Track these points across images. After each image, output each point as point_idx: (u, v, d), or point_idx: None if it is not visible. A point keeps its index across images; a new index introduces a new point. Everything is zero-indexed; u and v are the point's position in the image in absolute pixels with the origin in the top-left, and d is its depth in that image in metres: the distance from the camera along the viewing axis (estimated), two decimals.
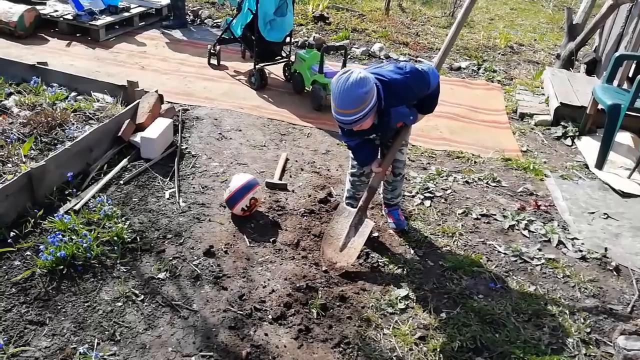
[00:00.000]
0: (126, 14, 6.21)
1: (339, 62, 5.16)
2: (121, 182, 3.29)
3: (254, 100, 4.76)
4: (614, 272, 2.93)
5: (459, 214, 3.33)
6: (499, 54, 6.85)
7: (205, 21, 6.91)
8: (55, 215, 2.82)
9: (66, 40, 5.73)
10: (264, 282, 2.64)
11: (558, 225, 3.29)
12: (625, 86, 4.59)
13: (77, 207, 2.96)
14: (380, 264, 2.84)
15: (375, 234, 3.05)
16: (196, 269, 2.68)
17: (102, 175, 3.33)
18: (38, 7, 5.95)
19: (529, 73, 6.17)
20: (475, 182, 3.72)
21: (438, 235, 3.12)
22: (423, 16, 8.28)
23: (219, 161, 3.69)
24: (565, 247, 3.11)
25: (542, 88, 5.54)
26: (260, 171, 3.61)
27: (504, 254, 3.01)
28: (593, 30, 5.64)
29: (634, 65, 4.68)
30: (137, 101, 3.91)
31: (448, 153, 4.12)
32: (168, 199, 3.21)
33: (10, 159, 3.23)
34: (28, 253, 2.64)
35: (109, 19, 5.94)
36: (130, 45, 5.83)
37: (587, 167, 4.05)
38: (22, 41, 5.58)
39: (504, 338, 2.41)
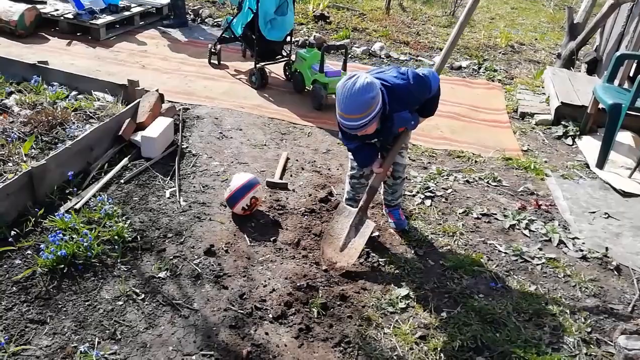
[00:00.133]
0: (127, 13, 6.22)
1: (340, 61, 5.15)
2: (122, 181, 3.29)
3: (254, 100, 4.76)
4: (615, 272, 2.93)
5: (459, 213, 3.33)
6: (500, 53, 6.85)
7: (206, 20, 6.91)
8: (56, 214, 2.82)
9: (67, 39, 5.74)
10: (265, 281, 2.64)
11: (559, 225, 3.29)
12: (626, 85, 4.58)
13: (77, 206, 2.97)
14: (380, 263, 2.84)
15: (376, 234, 3.05)
16: (197, 268, 2.68)
17: (103, 174, 3.33)
18: (39, 6, 5.95)
19: (529, 72, 6.16)
20: (476, 181, 3.72)
21: (439, 234, 3.12)
22: (424, 15, 8.28)
23: (219, 160, 3.69)
24: (566, 246, 3.11)
25: (542, 87, 5.54)
26: (260, 170, 3.61)
27: (505, 253, 3.01)
28: (594, 30, 5.63)
29: (634, 65, 4.68)
30: (138, 100, 3.91)
31: (449, 152, 4.12)
32: (169, 198, 3.21)
33: (11, 158, 3.23)
34: (29, 252, 2.64)
35: (109, 18, 5.94)
36: (130, 45, 5.83)
37: (587, 166, 4.05)
38: (23, 40, 5.58)
39: (505, 337, 2.41)
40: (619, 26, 5.22)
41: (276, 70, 5.38)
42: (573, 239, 3.17)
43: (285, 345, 2.30)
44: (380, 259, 2.87)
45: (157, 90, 4.01)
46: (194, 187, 3.35)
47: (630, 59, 4.58)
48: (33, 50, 5.31)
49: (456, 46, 6.69)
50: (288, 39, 5.06)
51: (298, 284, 2.61)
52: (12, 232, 2.69)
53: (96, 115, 3.85)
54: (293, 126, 4.33)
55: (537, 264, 2.94)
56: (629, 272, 2.93)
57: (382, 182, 2.91)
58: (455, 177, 3.74)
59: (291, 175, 3.62)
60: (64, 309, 2.36)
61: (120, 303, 2.42)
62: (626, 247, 3.12)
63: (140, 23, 6.44)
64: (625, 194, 3.66)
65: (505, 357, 2.32)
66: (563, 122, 4.66)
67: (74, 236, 2.68)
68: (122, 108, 3.89)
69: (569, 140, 4.48)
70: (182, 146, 3.78)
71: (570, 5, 6.69)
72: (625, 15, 5.10)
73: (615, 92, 4.10)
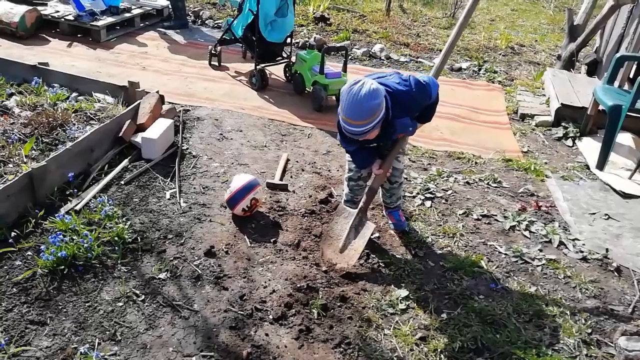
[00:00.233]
0: (127, 15, 6.22)
1: (340, 63, 5.16)
2: (122, 182, 3.29)
3: (254, 101, 4.76)
4: (615, 273, 2.93)
5: (459, 214, 3.33)
6: (500, 54, 6.85)
7: (206, 22, 6.92)
8: (56, 215, 2.82)
9: (67, 41, 5.74)
10: (265, 282, 2.64)
11: (559, 226, 3.28)
12: (626, 87, 4.59)
13: (78, 208, 2.97)
14: (380, 264, 2.84)
15: (376, 235, 3.05)
16: (197, 269, 2.68)
17: (103, 175, 3.33)
18: (39, 7, 5.96)
19: (529, 74, 6.17)
20: (476, 182, 3.72)
21: (439, 235, 3.12)
22: (424, 17, 8.29)
23: (219, 162, 3.69)
24: (566, 247, 3.11)
25: (542, 89, 5.54)
26: (261, 172, 3.62)
27: (505, 254, 3.01)
28: (594, 31, 5.64)
29: (634, 66, 4.68)
30: (138, 102, 3.92)
31: (449, 154, 4.12)
32: (169, 199, 3.21)
33: (12, 159, 3.23)
34: (29, 253, 2.64)
35: (110, 19, 5.95)
36: (131, 46, 5.84)
37: (588, 167, 4.05)
38: (24, 42, 5.59)
39: (505, 339, 2.41)
40: (619, 28, 5.22)
41: (276, 71, 5.38)
42: (573, 240, 3.17)
43: (286, 347, 2.29)
44: (380, 260, 2.86)
45: (157, 92, 4.02)
46: (194, 188, 3.35)
47: (630, 61, 4.58)
48: (34, 52, 5.31)
49: (456, 47, 6.72)
50: (288, 40, 5.07)
51: (298, 285, 2.61)
52: (13, 234, 2.69)
53: (97, 117, 3.85)
54: (293, 127, 4.34)
55: (538, 265, 2.93)
56: (629, 274, 2.93)
57: (381, 184, 2.91)
58: (456, 178, 3.75)
59: (291, 177, 3.62)
60: (64, 310, 2.36)
61: (121, 304, 2.42)
62: (626, 249, 3.12)
63: (141, 25, 6.45)
64: (626, 195, 3.66)
65: (505, 358, 2.32)
66: (563, 124, 4.66)
67: (74, 237, 2.68)
68: (122, 109, 3.89)
69: (569, 142, 4.48)
70: (183, 147, 3.78)
71: (570, 7, 6.70)
72: (625, 16, 5.11)
73: (616, 94, 4.11)
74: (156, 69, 5.26)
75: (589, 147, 4.28)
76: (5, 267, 2.54)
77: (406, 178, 3.67)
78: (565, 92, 4.92)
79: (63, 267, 2.54)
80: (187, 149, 3.79)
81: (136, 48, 5.80)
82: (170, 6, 6.58)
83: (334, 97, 4.79)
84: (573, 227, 3.29)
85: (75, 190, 3.08)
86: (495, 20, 8.78)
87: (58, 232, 2.69)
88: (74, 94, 4.19)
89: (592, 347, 2.42)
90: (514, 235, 3.19)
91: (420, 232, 3.12)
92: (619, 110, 3.85)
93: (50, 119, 3.62)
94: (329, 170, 3.73)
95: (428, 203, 3.41)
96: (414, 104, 2.61)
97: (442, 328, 2.45)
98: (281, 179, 3.54)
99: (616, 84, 4.44)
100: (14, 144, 3.35)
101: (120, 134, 3.61)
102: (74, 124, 3.67)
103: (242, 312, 2.45)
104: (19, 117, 3.71)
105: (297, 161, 3.82)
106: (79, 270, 2.57)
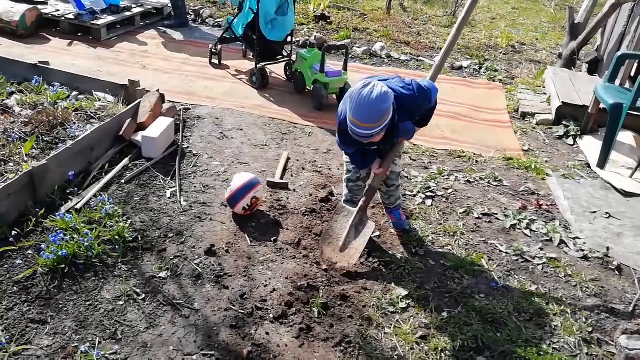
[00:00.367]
0: (127, 14, 6.22)
1: (340, 61, 5.15)
2: (122, 181, 3.29)
3: (255, 100, 4.76)
4: (616, 272, 2.92)
5: (460, 213, 3.33)
6: (501, 53, 6.85)
7: (207, 21, 6.91)
8: (56, 214, 2.82)
9: (68, 40, 5.74)
10: (265, 281, 2.64)
11: (560, 225, 3.28)
12: (627, 85, 4.58)
13: (78, 206, 2.97)
14: (381, 263, 2.84)
15: (377, 234, 3.04)
16: (197, 268, 2.68)
17: (104, 174, 3.33)
18: (40, 6, 5.96)
19: (530, 72, 6.16)
20: (477, 181, 3.72)
21: (439, 234, 3.12)
22: (424, 15, 8.28)
23: (220, 160, 3.69)
24: (567, 246, 3.10)
25: (543, 87, 5.53)
26: (261, 170, 3.61)
27: (506, 253, 3.01)
28: (595, 30, 5.63)
29: (636, 65, 4.67)
30: (139, 100, 3.92)
31: (449, 152, 4.12)
32: (169, 198, 3.21)
33: (12, 158, 3.23)
34: (30, 252, 2.64)
35: (110, 18, 5.95)
36: (131, 45, 5.84)
37: (589, 166, 4.04)
38: (24, 41, 5.59)
39: (506, 337, 2.40)
40: (620, 26, 5.21)
41: (277, 70, 5.38)
42: (574, 238, 3.16)
43: (286, 345, 2.29)
44: (380, 259, 2.86)
45: (157, 91, 4.01)
46: (195, 187, 3.35)
47: (631, 59, 4.57)
48: (34, 51, 5.31)
49: (457, 46, 6.71)
50: (289, 39, 5.06)
51: (299, 284, 2.61)
52: (13, 232, 2.69)
53: (97, 116, 3.85)
54: (294, 126, 4.33)
55: (538, 264, 2.93)
56: (630, 272, 2.93)
57: (381, 182, 2.90)
58: (456, 177, 3.74)
59: (292, 175, 3.62)
60: (65, 308, 2.37)
61: (121, 303, 2.42)
62: (627, 247, 3.12)
63: (141, 23, 6.44)
64: (627, 194, 3.66)
65: (506, 357, 2.31)
66: (564, 122, 4.65)
67: (74, 236, 2.68)
68: (122, 108, 3.89)
69: (570, 140, 4.48)
70: (183, 146, 3.78)
71: (571, 5, 6.69)
72: (626, 15, 5.09)
73: (617, 92, 4.10)
74: (156, 67, 5.26)
75: (590, 146, 4.28)
76: (6, 265, 2.55)
77: (407, 176, 3.67)
78: (566, 90, 4.91)
79: (64, 265, 2.55)
80: (188, 147, 3.79)
81: (137, 47, 5.79)
82: (170, 5, 6.58)
83: (334, 96, 4.79)
84: (574, 226, 3.28)
85: (76, 189, 3.08)
86: (496, 19, 8.76)
87: (59, 231, 2.69)
88: (75, 93, 4.19)
89: (592, 345, 2.42)
90: (515, 234, 3.18)
91: (420, 230, 3.12)
92: (620, 109, 3.84)
93: (51, 118, 3.62)
94: (330, 169, 3.73)
95: (429, 202, 3.41)
96: (416, 109, 2.62)
97: (442, 327, 2.45)
98: (282, 178, 3.54)
99: (617, 82, 4.43)
100: (15, 142, 3.35)
101: (121, 133, 3.61)
102: (75, 123, 3.67)
103: (242, 311, 2.45)
104: (19, 116, 3.71)
105: (297, 160, 3.82)
106: (79, 269, 2.57)
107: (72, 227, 2.76)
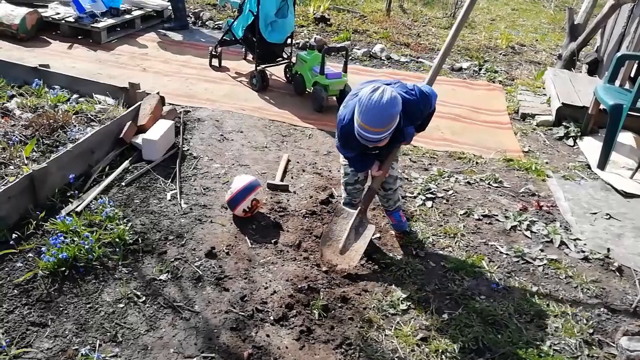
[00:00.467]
0: (127, 16, 6.23)
1: (340, 63, 5.16)
2: (123, 183, 3.30)
3: (255, 102, 4.76)
4: (617, 273, 2.92)
5: (460, 214, 3.33)
6: (501, 54, 6.85)
7: (207, 23, 6.92)
8: (57, 217, 2.82)
9: (68, 43, 5.75)
10: (266, 283, 2.64)
11: (560, 226, 3.28)
12: (627, 86, 4.58)
13: (78, 209, 2.97)
14: (381, 264, 2.84)
15: (377, 236, 3.04)
16: (198, 270, 2.68)
17: (104, 177, 3.33)
18: (40, 9, 5.96)
19: (530, 73, 6.16)
20: (477, 182, 3.72)
21: (440, 236, 3.11)
22: (424, 17, 8.28)
23: (220, 163, 3.69)
24: (568, 247, 3.10)
25: (543, 88, 5.53)
26: (261, 172, 3.62)
27: (506, 254, 3.01)
28: (595, 31, 5.63)
29: (635, 65, 4.67)
30: (139, 103, 3.92)
31: (449, 154, 4.12)
32: (170, 200, 3.22)
33: (13, 161, 3.23)
34: (30, 255, 2.64)
35: (110, 21, 5.96)
36: (131, 47, 5.84)
37: (589, 167, 4.04)
38: (24, 44, 5.59)
39: (506, 339, 2.40)
40: (619, 27, 5.22)
41: (277, 72, 5.38)
42: (574, 240, 3.16)
43: (287, 347, 2.29)
44: (381, 261, 2.86)
45: (158, 93, 4.02)
46: (195, 189, 3.36)
47: (631, 60, 4.57)
48: (34, 54, 5.32)
49: (457, 47, 6.72)
50: (289, 41, 5.07)
51: (299, 286, 2.61)
52: (14, 235, 2.69)
53: (97, 118, 3.85)
54: (294, 128, 4.34)
55: (539, 265, 2.93)
56: (630, 273, 2.93)
57: (380, 185, 2.90)
58: (456, 178, 3.74)
59: (292, 177, 3.62)
60: (65, 311, 2.37)
61: (122, 305, 2.42)
62: (628, 248, 3.11)
63: (141, 26, 6.45)
64: (627, 195, 3.65)
65: (507, 358, 2.31)
66: (564, 123, 4.65)
67: (75, 239, 2.68)
68: (123, 111, 3.89)
69: (570, 141, 4.48)
70: (183, 149, 3.78)
71: (571, 6, 6.69)
72: (626, 15, 5.10)
73: (616, 93, 4.10)
74: (157, 70, 5.26)
75: (590, 147, 4.27)
76: (7, 268, 2.55)
77: (407, 178, 3.67)
78: (566, 91, 4.91)
79: (64, 268, 2.55)
80: (188, 150, 3.79)
81: (137, 49, 5.80)
82: (170, 7, 6.59)
83: (334, 98, 4.79)
84: (574, 227, 3.28)
85: (76, 191, 3.08)
86: (495, 20, 8.77)
87: (59, 234, 2.69)
88: (75, 96, 4.19)
89: (593, 347, 2.42)
90: (515, 235, 3.18)
91: (421, 232, 3.12)
92: (620, 110, 3.84)
93: (51, 121, 3.62)
94: (330, 171, 3.73)
95: (429, 203, 3.41)
96: (419, 114, 2.64)
97: (443, 328, 2.45)
98: (282, 180, 3.54)
99: (617, 83, 4.43)
100: (15, 145, 3.35)
101: (121, 136, 3.61)
102: (75, 126, 3.68)
103: (243, 313, 2.44)
104: (19, 119, 3.71)
105: (297, 162, 3.82)
106: (79, 272, 2.57)
107: (73, 230, 2.76)
